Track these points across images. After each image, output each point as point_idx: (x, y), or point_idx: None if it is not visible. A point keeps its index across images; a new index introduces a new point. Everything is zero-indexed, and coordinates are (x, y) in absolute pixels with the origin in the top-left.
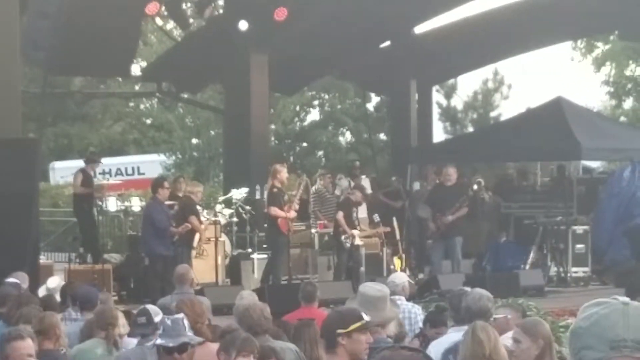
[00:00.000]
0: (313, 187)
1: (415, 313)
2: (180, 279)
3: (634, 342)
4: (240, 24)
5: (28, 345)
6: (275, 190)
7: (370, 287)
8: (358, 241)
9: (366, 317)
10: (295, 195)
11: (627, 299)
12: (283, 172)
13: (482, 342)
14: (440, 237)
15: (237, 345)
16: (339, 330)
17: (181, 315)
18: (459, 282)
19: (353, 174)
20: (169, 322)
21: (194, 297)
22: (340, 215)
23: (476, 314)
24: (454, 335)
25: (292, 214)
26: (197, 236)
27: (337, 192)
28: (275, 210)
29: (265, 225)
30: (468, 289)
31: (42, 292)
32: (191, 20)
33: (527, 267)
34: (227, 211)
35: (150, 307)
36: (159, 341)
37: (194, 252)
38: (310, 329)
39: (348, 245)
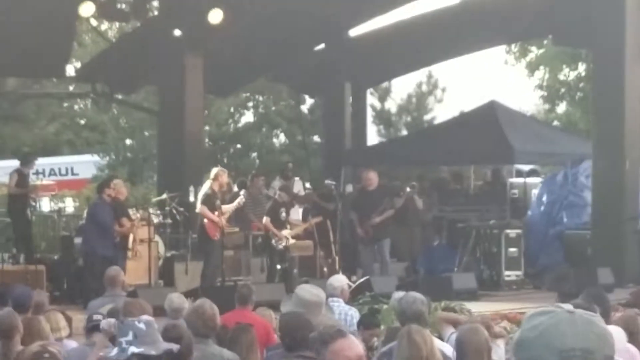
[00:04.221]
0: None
1: (351, 315)
2: (111, 281)
3: (583, 350)
4: (173, 30)
5: (354, 344)
6: (209, 192)
7: (307, 291)
8: (290, 241)
9: None
10: (230, 207)
11: (571, 307)
12: (224, 177)
13: (419, 345)
14: (369, 241)
15: None
16: None
17: (152, 318)
18: (392, 285)
19: (286, 175)
20: (141, 325)
21: (138, 299)
22: (267, 220)
23: (410, 317)
24: None
25: (222, 219)
26: (130, 238)
27: (271, 193)
28: (204, 210)
29: (197, 230)
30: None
31: None
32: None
33: (460, 270)
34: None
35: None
36: (135, 349)
37: (129, 254)
38: (247, 334)
39: (279, 247)
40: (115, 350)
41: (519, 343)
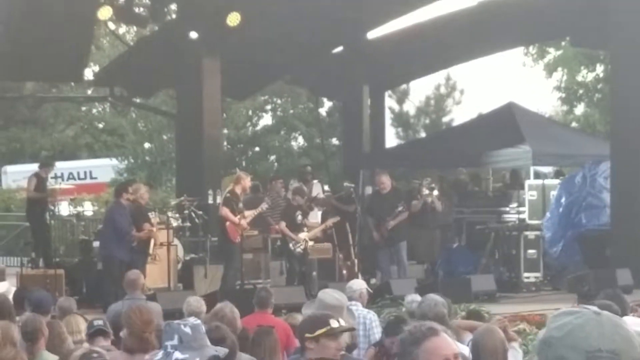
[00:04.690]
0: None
1: (370, 319)
2: (131, 285)
3: (609, 352)
4: (190, 34)
5: (449, 341)
6: (228, 195)
7: (329, 295)
8: (309, 243)
9: (334, 323)
10: (252, 212)
11: (597, 309)
12: (246, 181)
13: None
14: (385, 244)
15: None
16: (307, 335)
17: (199, 321)
18: (411, 287)
19: (305, 178)
20: (187, 329)
21: (143, 304)
22: (282, 225)
23: (432, 320)
24: None
25: (244, 222)
26: (152, 242)
27: (290, 196)
28: (226, 212)
29: (218, 233)
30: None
31: None
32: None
33: (479, 272)
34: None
35: None
36: (179, 356)
37: (149, 259)
38: (270, 337)
39: (298, 250)
40: (160, 354)
41: (545, 342)
